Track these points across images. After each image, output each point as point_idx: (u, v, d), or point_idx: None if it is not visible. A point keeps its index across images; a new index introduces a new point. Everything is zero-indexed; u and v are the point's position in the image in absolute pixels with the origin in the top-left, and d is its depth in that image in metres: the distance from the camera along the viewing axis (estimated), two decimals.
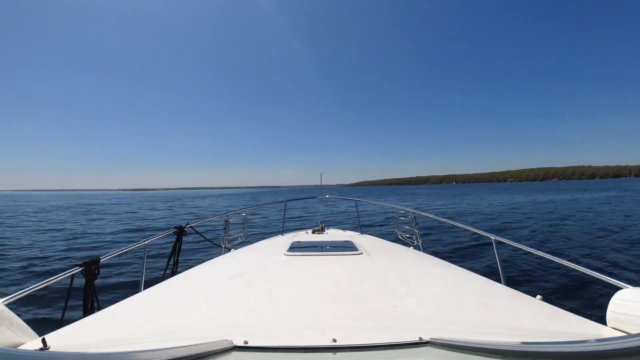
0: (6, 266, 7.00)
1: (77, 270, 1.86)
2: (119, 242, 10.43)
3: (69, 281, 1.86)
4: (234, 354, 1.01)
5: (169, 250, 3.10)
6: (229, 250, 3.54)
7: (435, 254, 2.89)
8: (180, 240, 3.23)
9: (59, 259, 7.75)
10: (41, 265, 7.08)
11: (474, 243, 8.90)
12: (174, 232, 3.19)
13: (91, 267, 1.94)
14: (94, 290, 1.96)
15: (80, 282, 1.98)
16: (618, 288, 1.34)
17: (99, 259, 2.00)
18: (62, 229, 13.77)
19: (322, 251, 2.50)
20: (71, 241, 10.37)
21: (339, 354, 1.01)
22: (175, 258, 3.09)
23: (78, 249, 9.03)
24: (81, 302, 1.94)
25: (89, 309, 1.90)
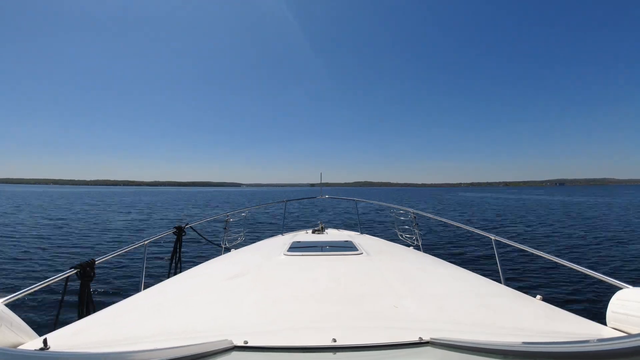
0: None
1: (73, 272, 1.86)
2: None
3: (69, 283, 1.86)
4: (234, 354, 1.01)
5: (168, 250, 3.11)
6: (229, 250, 3.54)
7: (435, 254, 2.89)
8: (180, 241, 3.24)
9: None
10: None
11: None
12: (173, 232, 3.20)
13: (86, 269, 1.94)
14: (89, 292, 1.96)
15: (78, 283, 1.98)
16: (618, 288, 1.35)
17: (94, 261, 2.01)
18: None
19: (322, 251, 2.50)
20: None
21: (339, 354, 1.01)
22: (178, 257, 3.10)
23: None
24: (78, 304, 1.95)
25: (84, 312, 1.90)
